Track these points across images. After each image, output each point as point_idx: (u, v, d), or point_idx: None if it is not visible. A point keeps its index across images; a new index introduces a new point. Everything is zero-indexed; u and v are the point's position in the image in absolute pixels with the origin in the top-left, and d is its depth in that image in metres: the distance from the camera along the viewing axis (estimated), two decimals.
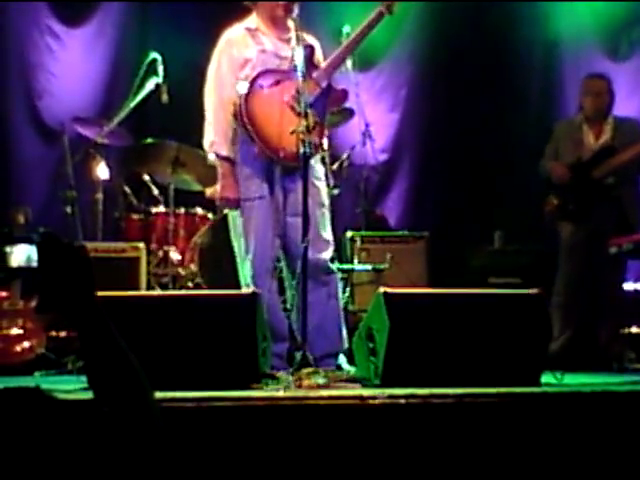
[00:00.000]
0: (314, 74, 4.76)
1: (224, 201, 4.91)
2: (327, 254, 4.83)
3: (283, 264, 4.93)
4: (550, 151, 6.54)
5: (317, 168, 4.87)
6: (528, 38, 8.00)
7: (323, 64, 4.86)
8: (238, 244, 4.89)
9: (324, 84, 4.77)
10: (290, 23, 4.77)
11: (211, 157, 4.96)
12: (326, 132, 5.04)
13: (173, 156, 6.51)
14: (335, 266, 4.93)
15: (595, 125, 6.43)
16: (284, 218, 4.77)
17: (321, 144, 4.75)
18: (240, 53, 4.84)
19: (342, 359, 4.76)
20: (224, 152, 4.84)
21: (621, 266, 6.36)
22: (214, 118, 4.83)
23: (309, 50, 4.78)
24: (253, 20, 4.91)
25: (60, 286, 1.90)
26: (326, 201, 4.92)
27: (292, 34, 4.76)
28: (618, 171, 6.26)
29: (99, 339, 1.91)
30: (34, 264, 1.93)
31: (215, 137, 4.83)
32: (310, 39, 4.95)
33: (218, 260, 6.48)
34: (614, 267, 6.30)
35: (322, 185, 4.91)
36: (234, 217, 4.89)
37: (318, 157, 4.88)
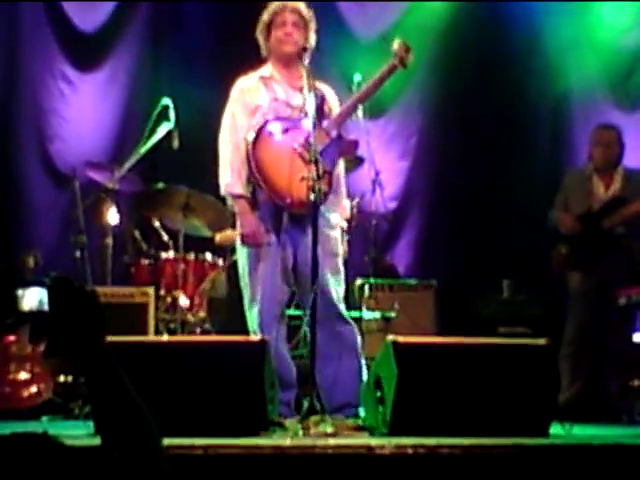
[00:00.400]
0: (324, 123, 4.78)
1: (245, 238, 4.82)
2: (342, 304, 4.80)
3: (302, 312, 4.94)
4: (560, 201, 6.56)
5: (329, 217, 4.83)
6: (538, 89, 8.03)
7: (334, 114, 4.86)
8: (245, 290, 4.88)
9: (334, 134, 4.78)
10: (303, 71, 4.82)
11: (229, 201, 4.97)
12: (343, 180, 5.01)
13: (183, 202, 6.54)
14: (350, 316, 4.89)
15: (605, 176, 6.45)
16: (295, 267, 4.76)
17: (329, 193, 4.73)
18: (252, 100, 4.88)
19: (361, 410, 4.72)
20: (238, 190, 4.82)
21: (630, 317, 6.34)
22: (228, 161, 4.85)
23: (320, 99, 4.80)
24: (267, 69, 4.96)
25: (71, 330, 1.90)
26: (339, 250, 4.87)
27: (304, 82, 4.81)
28: (628, 221, 6.27)
29: (108, 384, 1.91)
30: (45, 308, 1.93)
31: (230, 178, 4.84)
32: (324, 87, 4.98)
33: (226, 306, 6.48)
34: (623, 318, 6.29)
35: (335, 234, 4.87)
36: (243, 265, 4.87)
37: (331, 206, 4.84)
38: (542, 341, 4.43)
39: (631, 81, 7.93)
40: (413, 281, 7.30)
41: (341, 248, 4.94)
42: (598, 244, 6.30)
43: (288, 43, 4.84)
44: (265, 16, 4.96)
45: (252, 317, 4.76)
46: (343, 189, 5.03)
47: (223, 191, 4.92)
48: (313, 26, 4.97)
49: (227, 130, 4.90)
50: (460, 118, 8.23)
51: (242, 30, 7.96)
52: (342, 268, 4.90)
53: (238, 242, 4.90)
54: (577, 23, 7.92)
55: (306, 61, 4.79)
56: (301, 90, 4.82)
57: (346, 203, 5.07)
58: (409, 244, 8.34)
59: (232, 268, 6.65)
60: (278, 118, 4.78)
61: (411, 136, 8.49)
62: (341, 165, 5.02)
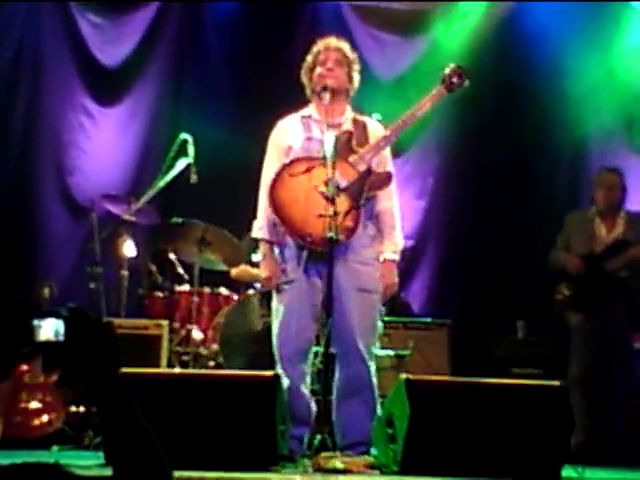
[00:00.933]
0: (350, 158, 4.77)
1: (263, 281, 4.97)
2: (365, 341, 4.74)
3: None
4: (562, 242, 6.58)
5: (361, 252, 4.78)
6: (556, 133, 8.04)
7: (363, 148, 4.82)
8: (273, 326, 4.90)
9: (362, 168, 4.75)
10: (346, 108, 4.89)
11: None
12: (395, 214, 4.96)
13: (199, 236, 6.57)
14: (371, 355, 4.82)
15: (607, 218, 6.48)
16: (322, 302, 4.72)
17: (355, 228, 4.71)
18: (284, 141, 4.92)
19: (373, 450, 4.69)
20: (260, 234, 4.93)
21: (635, 361, 6.35)
22: (260, 202, 4.92)
23: (346, 135, 4.81)
24: (309, 109, 4.97)
25: (86, 361, 1.91)
26: (370, 286, 4.77)
27: (342, 118, 4.86)
28: (631, 265, 6.27)
29: (121, 415, 1.91)
30: (61, 338, 1.95)
31: (256, 222, 4.97)
32: (367, 120, 4.97)
33: (240, 340, 6.48)
34: (629, 361, 6.28)
35: (368, 269, 4.78)
36: (274, 301, 4.90)
37: (366, 240, 4.80)
38: (556, 383, 4.41)
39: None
40: (427, 320, 7.29)
41: (378, 285, 4.82)
42: (601, 286, 6.30)
43: (329, 77, 4.83)
44: (309, 57, 4.97)
45: (275, 352, 4.76)
46: (395, 222, 4.93)
47: (255, 237, 5.04)
48: (357, 67, 4.98)
49: (263, 173, 4.95)
50: (477, 160, 8.25)
51: (264, 69, 8.12)
52: (377, 305, 4.83)
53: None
54: (597, 65, 7.94)
55: (326, 100, 4.78)
56: (339, 126, 4.84)
57: (395, 239, 4.93)
58: (424, 283, 8.34)
59: (246, 302, 6.68)
60: (304, 158, 4.77)
61: (428, 176, 8.52)
62: (388, 199, 4.93)
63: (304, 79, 5.00)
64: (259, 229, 4.93)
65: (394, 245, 4.90)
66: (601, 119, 7.94)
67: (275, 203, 4.73)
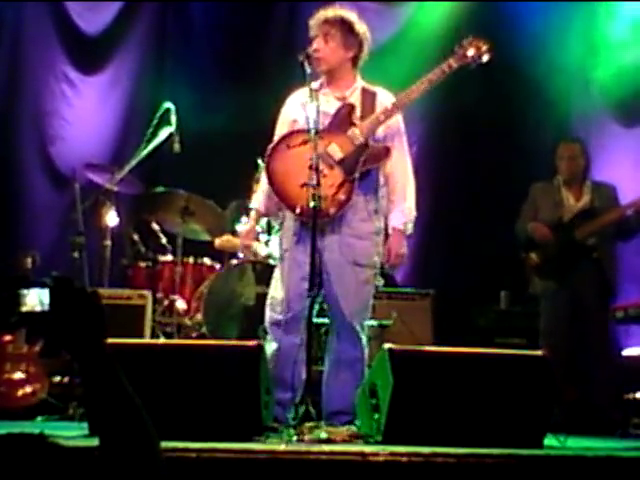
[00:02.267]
0: (349, 131, 4.75)
1: (241, 246, 5.14)
2: (358, 315, 4.75)
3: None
4: (528, 212, 6.63)
5: (357, 225, 4.75)
6: (540, 106, 8.01)
7: (364, 121, 4.76)
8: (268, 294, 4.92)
9: (357, 142, 4.73)
10: (353, 79, 4.86)
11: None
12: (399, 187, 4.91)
13: (183, 206, 6.55)
14: (363, 328, 4.81)
15: (573, 187, 6.54)
16: (321, 273, 4.71)
17: (346, 201, 4.68)
18: (289, 114, 4.91)
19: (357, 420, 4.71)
20: (251, 204, 5.10)
21: (613, 330, 6.40)
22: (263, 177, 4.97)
23: (347, 108, 4.78)
24: (319, 81, 4.92)
25: (72, 330, 1.90)
26: (365, 260, 4.74)
27: (348, 92, 4.83)
28: (600, 232, 6.31)
29: (107, 384, 1.90)
30: (46, 308, 1.94)
31: (259, 191, 5.07)
32: (378, 90, 4.90)
33: (224, 310, 6.48)
34: (604, 328, 6.31)
35: (363, 244, 4.75)
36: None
37: (365, 215, 4.77)
38: (538, 352, 4.43)
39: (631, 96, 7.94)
40: (410, 290, 7.30)
41: (373, 259, 4.79)
42: (570, 254, 6.33)
43: (317, 63, 4.78)
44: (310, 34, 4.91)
45: (267, 316, 4.78)
46: (406, 193, 4.87)
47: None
48: (358, 29, 4.89)
49: None
50: (461, 129, 8.25)
51: (246, 37, 8.07)
52: (371, 279, 4.80)
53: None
54: (580, 39, 7.93)
55: (309, 69, 4.73)
56: (343, 99, 4.81)
57: (404, 208, 4.86)
58: (407, 253, 8.33)
59: (229, 271, 6.68)
60: (303, 130, 4.72)
61: (411, 146, 8.46)
62: (400, 170, 4.89)
63: None
64: (255, 198, 5.08)
65: (403, 216, 4.85)
66: (586, 90, 7.93)
67: (269, 174, 4.74)
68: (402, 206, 4.85)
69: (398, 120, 4.93)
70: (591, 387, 6.29)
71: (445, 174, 8.29)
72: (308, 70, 4.67)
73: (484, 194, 8.06)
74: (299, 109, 4.87)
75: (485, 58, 4.77)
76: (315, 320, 4.95)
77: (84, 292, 1.93)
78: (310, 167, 4.45)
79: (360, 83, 4.93)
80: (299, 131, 4.77)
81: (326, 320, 5.11)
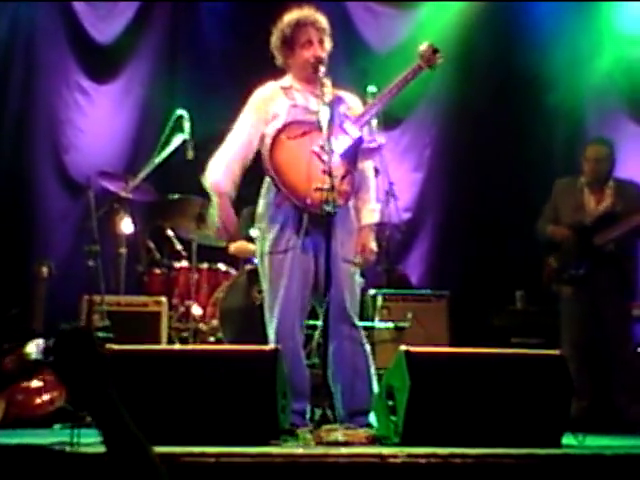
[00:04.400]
0: (345, 125, 4.77)
1: (218, 233, 4.89)
2: (354, 310, 4.77)
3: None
4: (549, 211, 6.57)
5: (347, 223, 4.79)
6: (552, 103, 8.01)
7: (355, 116, 4.82)
8: (265, 298, 4.87)
9: (355, 135, 4.76)
10: (325, 80, 4.82)
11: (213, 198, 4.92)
12: (372, 183, 5.00)
13: (197, 212, 6.57)
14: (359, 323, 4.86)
15: (596, 189, 6.46)
16: (316, 272, 4.72)
17: (351, 192, 4.72)
18: (268, 108, 4.88)
19: (372, 417, 4.71)
20: (224, 188, 4.85)
21: (632, 328, 6.37)
22: (223, 158, 4.86)
23: (338, 102, 4.80)
24: (288, 79, 4.96)
25: (75, 382, 1.94)
26: (351, 256, 4.79)
27: (325, 90, 4.82)
28: (620, 238, 6.26)
29: (111, 426, 1.95)
30: (50, 358, 2.00)
31: (220, 175, 4.85)
32: (345, 94, 4.95)
33: (239, 315, 6.49)
34: (625, 329, 6.29)
35: (350, 240, 4.80)
36: (264, 272, 4.86)
37: (350, 211, 4.82)
38: (555, 352, 4.42)
39: None
40: (426, 291, 7.30)
41: (356, 256, 4.84)
42: (589, 259, 6.29)
43: (321, 66, 4.79)
44: (287, 30, 4.90)
45: (270, 325, 4.75)
46: (371, 193, 4.98)
47: (209, 187, 4.90)
48: (328, 31, 4.95)
49: (233, 131, 4.91)
50: (473, 130, 8.23)
51: (257, 41, 8.06)
52: (356, 275, 4.86)
53: (257, 249, 4.92)
54: (590, 34, 7.92)
55: (322, 71, 4.77)
56: (320, 97, 4.83)
57: (375, 206, 5.00)
58: (422, 255, 8.35)
59: (245, 276, 6.69)
60: (295, 121, 4.77)
61: (425, 148, 8.50)
62: (371, 171, 5.02)
63: (277, 50, 4.94)
64: (222, 181, 4.83)
65: (374, 216, 4.95)
66: (598, 86, 7.92)
67: (276, 166, 4.70)
68: (373, 205, 4.97)
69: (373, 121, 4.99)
70: (610, 386, 6.27)
71: (459, 175, 8.28)
72: (321, 73, 4.74)
73: (498, 194, 8.05)
74: (278, 103, 4.87)
75: (439, 61, 4.86)
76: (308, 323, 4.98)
77: (88, 343, 1.98)
78: (324, 171, 4.46)
79: (330, 87, 4.91)
80: (295, 122, 4.78)
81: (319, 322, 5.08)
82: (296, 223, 4.71)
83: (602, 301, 6.23)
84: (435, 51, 4.84)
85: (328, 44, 4.93)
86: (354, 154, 4.76)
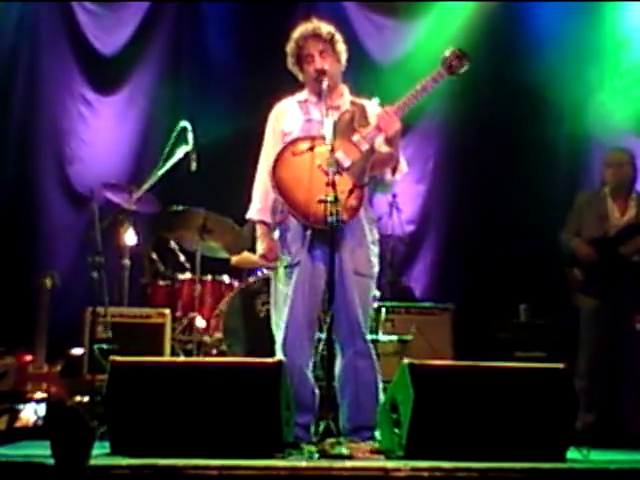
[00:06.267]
0: (354, 138, 4.76)
1: (262, 259, 4.92)
2: (365, 324, 4.75)
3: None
4: (572, 223, 6.53)
5: (358, 234, 4.77)
6: (555, 115, 8.01)
7: (365, 128, 4.77)
8: (273, 311, 4.89)
9: (364, 148, 4.74)
10: (343, 90, 4.89)
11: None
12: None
13: (200, 223, 6.56)
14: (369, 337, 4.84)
15: (619, 200, 6.44)
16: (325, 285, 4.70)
17: (359, 207, 4.69)
18: (280, 125, 4.92)
19: (377, 433, 4.70)
20: (253, 216, 4.94)
21: None
22: (254, 187, 4.93)
23: (349, 114, 4.79)
24: (304, 93, 4.97)
25: (60, 448, 1.97)
26: (365, 270, 4.77)
27: (341, 101, 4.86)
28: None
29: None
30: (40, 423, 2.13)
31: (251, 204, 4.95)
32: (365, 102, 4.94)
33: (243, 328, 6.49)
34: (637, 344, 6.27)
35: (365, 253, 4.78)
36: (274, 286, 4.88)
37: (365, 223, 4.81)
38: (559, 365, 4.41)
39: None
40: (430, 304, 7.29)
41: (373, 269, 4.82)
42: (613, 271, 6.27)
43: (323, 79, 4.77)
44: (292, 47, 4.92)
45: (277, 338, 4.75)
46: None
47: (250, 218, 4.99)
48: (339, 39, 4.92)
49: (261, 156, 4.95)
50: (476, 143, 8.23)
51: (261, 51, 8.08)
52: (371, 290, 4.83)
53: (261, 262, 4.97)
54: (595, 38, 7.93)
55: (324, 84, 4.76)
56: (338, 108, 4.82)
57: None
58: (426, 267, 8.34)
59: (248, 288, 6.69)
60: (306, 137, 4.76)
61: (428, 160, 8.51)
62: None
63: (292, 68, 4.96)
64: (257, 211, 4.92)
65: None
66: (602, 105, 7.91)
67: (278, 183, 4.70)
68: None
69: None
70: (618, 400, 6.25)
71: (462, 187, 8.29)
72: (324, 85, 4.72)
73: (502, 207, 8.04)
74: (292, 119, 4.90)
75: (466, 67, 4.76)
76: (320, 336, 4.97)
77: (77, 416, 2.07)
78: (327, 184, 4.45)
79: (349, 96, 4.96)
80: (302, 138, 4.78)
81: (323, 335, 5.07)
82: (303, 238, 4.72)
83: (623, 314, 6.21)
84: (461, 57, 4.74)
85: (337, 52, 4.89)
86: (362, 168, 4.71)
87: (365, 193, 4.73)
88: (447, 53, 4.77)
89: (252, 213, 4.94)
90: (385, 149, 4.80)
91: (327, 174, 4.47)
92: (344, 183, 4.58)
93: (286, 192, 4.68)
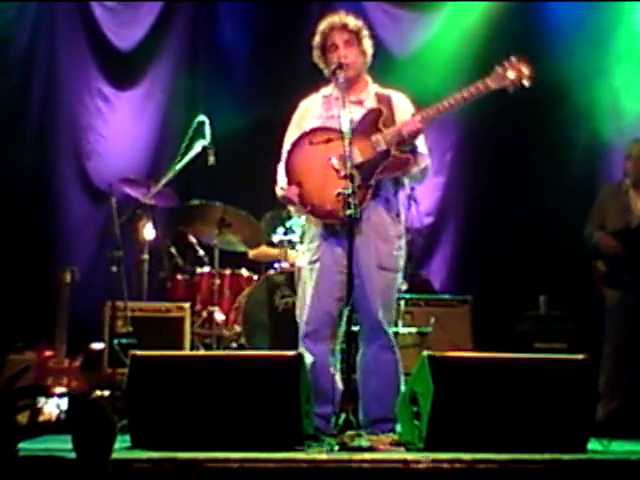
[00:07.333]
0: (373, 137, 4.74)
1: (285, 199, 4.87)
2: (386, 318, 4.74)
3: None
4: (595, 216, 6.50)
5: (381, 229, 4.74)
6: (573, 106, 7.97)
7: (388, 129, 4.73)
8: (297, 303, 4.93)
9: (380, 148, 4.70)
10: (368, 82, 4.88)
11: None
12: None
13: (219, 217, 6.57)
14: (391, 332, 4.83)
15: None
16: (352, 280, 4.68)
17: (361, 205, 4.59)
18: (303, 120, 4.91)
19: (398, 425, 4.69)
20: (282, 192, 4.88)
21: None
22: (279, 168, 4.91)
23: (375, 113, 4.77)
24: (330, 88, 4.94)
25: (83, 443, 1.98)
26: (390, 264, 4.75)
27: (364, 95, 4.85)
28: None
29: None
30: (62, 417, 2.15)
31: (279, 182, 4.90)
32: (393, 94, 4.91)
33: (262, 321, 6.50)
34: None
35: (388, 248, 4.75)
36: (302, 278, 4.90)
37: (387, 218, 4.78)
38: (579, 356, 4.40)
39: None
40: (449, 296, 7.28)
41: (398, 264, 4.80)
42: (637, 262, 6.24)
43: (346, 69, 4.75)
44: (317, 37, 4.89)
45: (300, 331, 4.77)
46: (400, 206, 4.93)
47: (280, 196, 4.93)
48: (365, 34, 4.89)
49: (283, 148, 4.93)
50: (494, 134, 8.20)
51: (278, 47, 8.09)
52: (395, 284, 4.81)
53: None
54: (613, 38, 7.90)
55: (340, 79, 4.72)
56: (361, 103, 4.81)
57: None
58: (445, 259, 8.33)
59: (266, 281, 6.69)
60: (326, 128, 4.74)
61: (446, 152, 8.48)
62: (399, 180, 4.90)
63: (317, 61, 4.94)
64: (282, 187, 4.87)
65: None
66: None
67: (288, 167, 4.75)
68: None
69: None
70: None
71: (480, 179, 8.26)
72: (341, 79, 4.69)
73: (520, 198, 8.01)
74: (314, 116, 4.88)
75: (526, 83, 4.70)
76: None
77: (99, 410, 2.08)
78: (345, 176, 4.44)
79: (373, 87, 4.94)
80: (324, 129, 4.76)
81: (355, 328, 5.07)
82: (325, 235, 4.72)
83: None
84: (521, 70, 4.70)
85: (362, 46, 4.87)
86: (372, 168, 4.66)
87: (369, 193, 4.66)
88: (506, 62, 4.72)
89: (279, 192, 4.92)
90: (400, 154, 4.75)
91: (336, 170, 4.48)
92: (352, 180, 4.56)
93: (295, 179, 4.69)
